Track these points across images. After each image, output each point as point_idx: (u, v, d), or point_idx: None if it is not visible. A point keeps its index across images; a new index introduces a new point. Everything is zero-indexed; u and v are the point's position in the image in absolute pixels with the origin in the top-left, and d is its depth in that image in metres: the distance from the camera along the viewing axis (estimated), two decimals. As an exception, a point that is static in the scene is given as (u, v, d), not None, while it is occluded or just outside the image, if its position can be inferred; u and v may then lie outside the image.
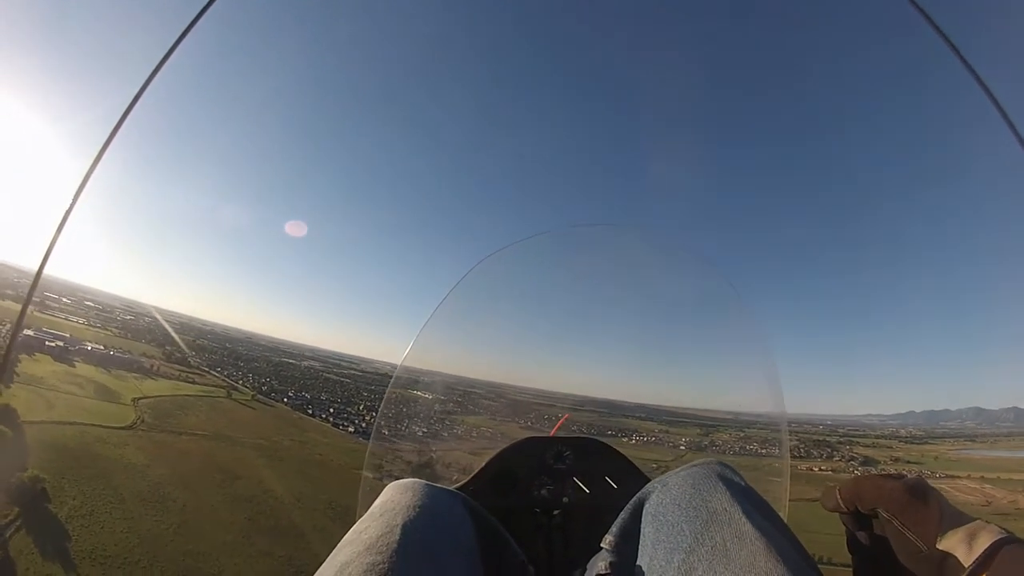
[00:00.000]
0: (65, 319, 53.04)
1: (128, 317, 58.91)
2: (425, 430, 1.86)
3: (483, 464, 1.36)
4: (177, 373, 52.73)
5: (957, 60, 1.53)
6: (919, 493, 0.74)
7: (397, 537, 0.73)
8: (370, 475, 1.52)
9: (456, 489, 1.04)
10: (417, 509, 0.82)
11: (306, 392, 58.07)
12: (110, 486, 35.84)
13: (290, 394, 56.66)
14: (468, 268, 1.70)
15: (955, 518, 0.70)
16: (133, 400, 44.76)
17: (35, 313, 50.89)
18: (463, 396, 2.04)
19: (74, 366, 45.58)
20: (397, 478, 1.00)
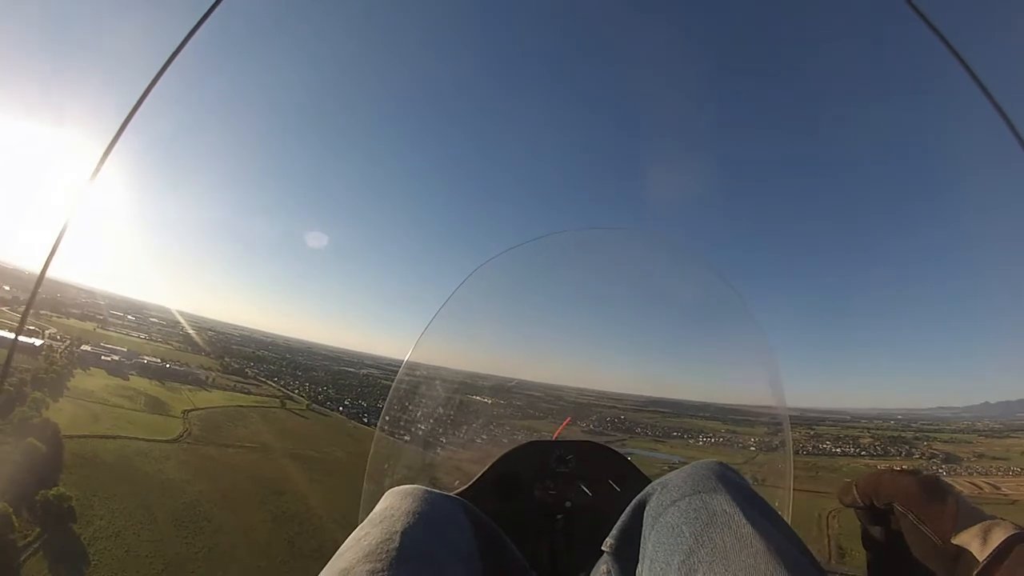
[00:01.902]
0: (127, 335, 53.01)
1: (190, 331, 58.22)
2: (428, 434, 1.80)
3: (485, 469, 1.34)
4: (233, 384, 50.58)
5: (954, 59, 1.50)
6: (935, 488, 0.73)
7: (397, 544, 0.72)
8: (371, 480, 1.49)
9: (458, 494, 1.05)
10: (417, 515, 0.82)
11: (363, 400, 54.13)
12: (143, 504, 32.58)
13: (346, 403, 53.11)
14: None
15: (971, 514, 0.69)
16: (183, 412, 42.40)
17: (97, 330, 51.24)
18: (466, 399, 1.95)
19: (128, 379, 44.18)
20: (399, 483, 0.98)
